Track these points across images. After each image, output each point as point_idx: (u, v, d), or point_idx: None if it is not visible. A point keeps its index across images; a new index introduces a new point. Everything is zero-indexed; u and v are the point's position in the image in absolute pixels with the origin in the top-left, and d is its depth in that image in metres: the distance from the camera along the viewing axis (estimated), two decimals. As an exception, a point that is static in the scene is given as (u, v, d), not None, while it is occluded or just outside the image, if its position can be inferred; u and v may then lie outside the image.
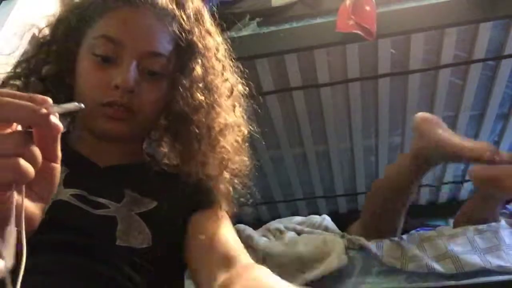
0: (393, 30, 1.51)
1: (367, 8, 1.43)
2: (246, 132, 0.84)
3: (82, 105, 0.48)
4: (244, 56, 1.43)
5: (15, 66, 0.82)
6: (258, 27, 1.58)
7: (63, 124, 0.48)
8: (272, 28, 1.57)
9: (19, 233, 0.43)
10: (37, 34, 0.85)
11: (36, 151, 0.43)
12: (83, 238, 0.65)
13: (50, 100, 0.45)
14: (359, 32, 1.41)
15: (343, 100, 1.95)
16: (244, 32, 1.56)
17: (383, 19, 1.45)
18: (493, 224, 1.43)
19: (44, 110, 0.43)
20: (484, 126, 2.07)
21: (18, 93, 0.44)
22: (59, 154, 0.47)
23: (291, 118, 2.03)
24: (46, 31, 0.84)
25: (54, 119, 0.44)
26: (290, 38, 1.54)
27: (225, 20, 0.88)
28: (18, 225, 0.43)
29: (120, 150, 0.80)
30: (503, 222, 1.46)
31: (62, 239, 0.63)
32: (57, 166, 0.47)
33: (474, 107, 1.98)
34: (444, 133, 1.36)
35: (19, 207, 0.43)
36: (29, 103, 0.43)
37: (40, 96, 0.45)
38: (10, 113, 0.43)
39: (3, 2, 1.24)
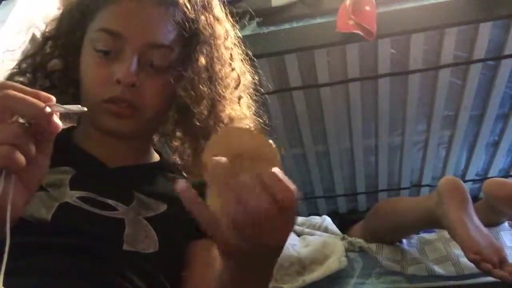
0: (393, 30, 1.50)
1: (367, 8, 1.42)
2: (252, 125, 0.82)
3: (85, 109, 0.51)
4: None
5: (20, 62, 0.80)
6: (258, 27, 1.57)
7: (72, 119, 0.50)
8: (272, 28, 1.56)
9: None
10: (42, 30, 0.84)
11: (31, 144, 0.45)
12: (89, 241, 0.63)
13: (53, 99, 0.47)
14: (359, 32, 1.41)
15: (343, 100, 1.95)
16: (244, 32, 1.55)
17: (383, 19, 1.44)
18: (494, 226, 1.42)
19: (48, 109, 0.46)
20: (484, 126, 2.06)
21: (26, 88, 0.46)
22: (51, 150, 0.49)
23: (291, 118, 2.03)
24: (51, 26, 0.82)
25: (55, 118, 0.47)
26: (290, 38, 1.54)
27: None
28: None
29: (129, 148, 0.78)
30: (505, 223, 1.45)
31: (66, 242, 0.62)
32: (47, 161, 0.49)
33: (474, 107, 1.98)
34: (460, 217, 1.20)
35: (5, 195, 0.45)
36: (36, 101, 0.45)
37: (45, 94, 0.47)
38: (17, 107, 0.45)
39: (3, 1, 1.23)
